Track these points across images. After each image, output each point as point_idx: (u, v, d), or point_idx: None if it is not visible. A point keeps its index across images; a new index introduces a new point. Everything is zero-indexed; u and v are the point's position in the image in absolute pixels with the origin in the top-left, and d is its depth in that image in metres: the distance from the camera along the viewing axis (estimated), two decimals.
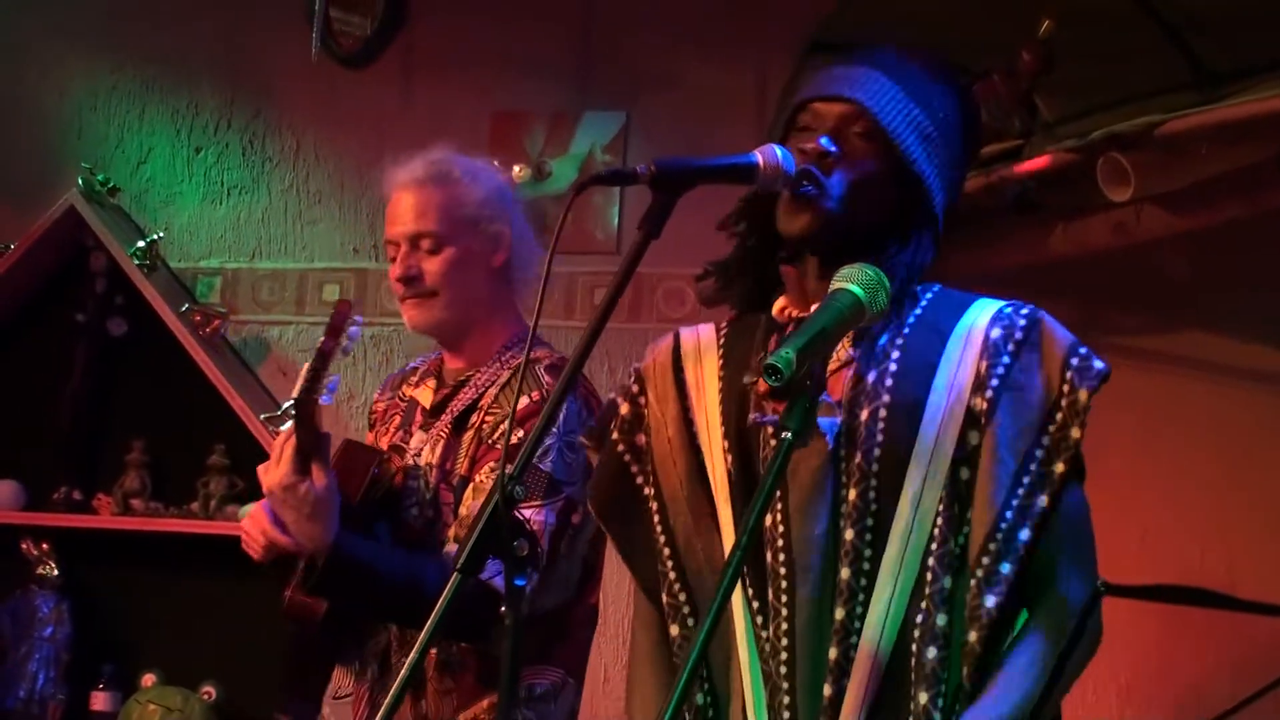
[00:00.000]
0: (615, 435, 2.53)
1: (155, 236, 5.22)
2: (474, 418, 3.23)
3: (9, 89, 5.61)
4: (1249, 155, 3.43)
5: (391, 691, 2.15)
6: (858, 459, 2.28)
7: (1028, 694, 2.18)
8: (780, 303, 2.48)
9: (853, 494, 2.28)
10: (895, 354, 2.32)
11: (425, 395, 3.34)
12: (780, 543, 2.32)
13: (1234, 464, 4.30)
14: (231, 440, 5.09)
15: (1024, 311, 2.33)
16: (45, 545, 5.11)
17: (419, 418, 3.32)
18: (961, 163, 2.45)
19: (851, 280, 2.20)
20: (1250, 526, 4.24)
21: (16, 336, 5.43)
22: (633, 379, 2.57)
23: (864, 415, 2.29)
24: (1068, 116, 3.91)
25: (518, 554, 2.05)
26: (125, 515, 5.14)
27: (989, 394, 2.26)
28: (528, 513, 3.07)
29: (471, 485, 3.16)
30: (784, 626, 2.30)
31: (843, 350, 2.35)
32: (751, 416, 2.36)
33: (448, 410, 3.27)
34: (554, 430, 3.16)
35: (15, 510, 5.19)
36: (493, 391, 3.24)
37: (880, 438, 2.27)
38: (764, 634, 2.33)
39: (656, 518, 2.46)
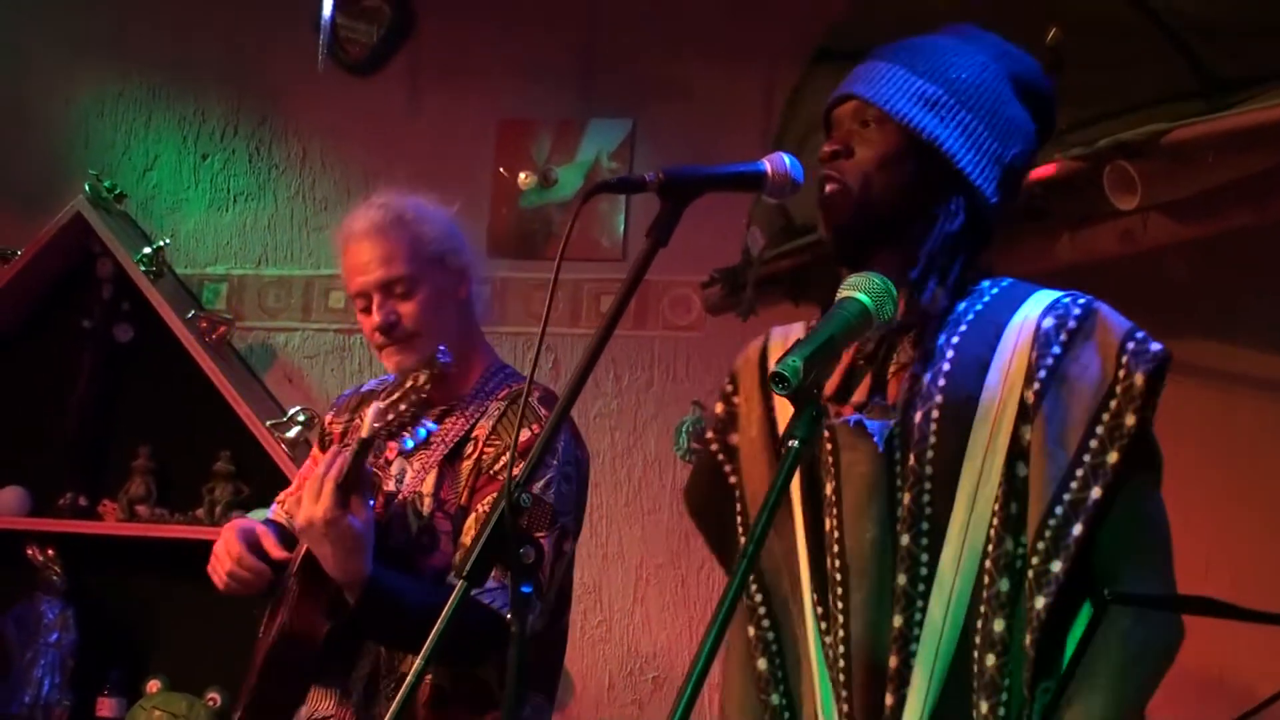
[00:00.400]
0: (710, 435, 2.56)
1: (162, 243, 5.23)
2: (469, 448, 3.23)
3: (16, 96, 5.62)
4: (1256, 163, 3.42)
5: (398, 696, 2.13)
6: (911, 461, 2.27)
7: (1102, 710, 2.14)
8: None
9: (907, 498, 2.26)
10: (950, 352, 2.30)
11: None
12: (836, 548, 2.31)
13: (1240, 472, 4.30)
14: (237, 447, 5.10)
15: (1080, 301, 2.31)
16: (51, 551, 5.11)
17: (394, 445, 3.31)
18: (1011, 119, 2.40)
19: (858, 289, 2.20)
20: (1257, 535, 4.23)
21: (23, 342, 5.43)
22: (728, 379, 2.58)
23: (918, 417, 2.28)
24: (1075, 124, 3.90)
25: (524, 561, 2.05)
26: (131, 521, 5.15)
27: (1037, 385, 2.23)
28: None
29: (473, 515, 3.17)
30: (841, 634, 2.29)
31: (904, 352, 2.34)
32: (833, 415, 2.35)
33: (436, 441, 3.26)
34: (552, 462, 3.18)
35: (21, 516, 5.20)
36: (486, 423, 3.25)
37: (933, 439, 2.26)
38: (827, 640, 2.33)
39: (739, 517, 2.47)
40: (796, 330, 2.55)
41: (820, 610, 2.34)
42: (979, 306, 2.35)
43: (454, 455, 3.24)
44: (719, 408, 2.56)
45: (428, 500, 3.21)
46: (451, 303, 3.31)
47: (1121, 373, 2.21)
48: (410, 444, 3.19)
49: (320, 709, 3.25)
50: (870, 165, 2.36)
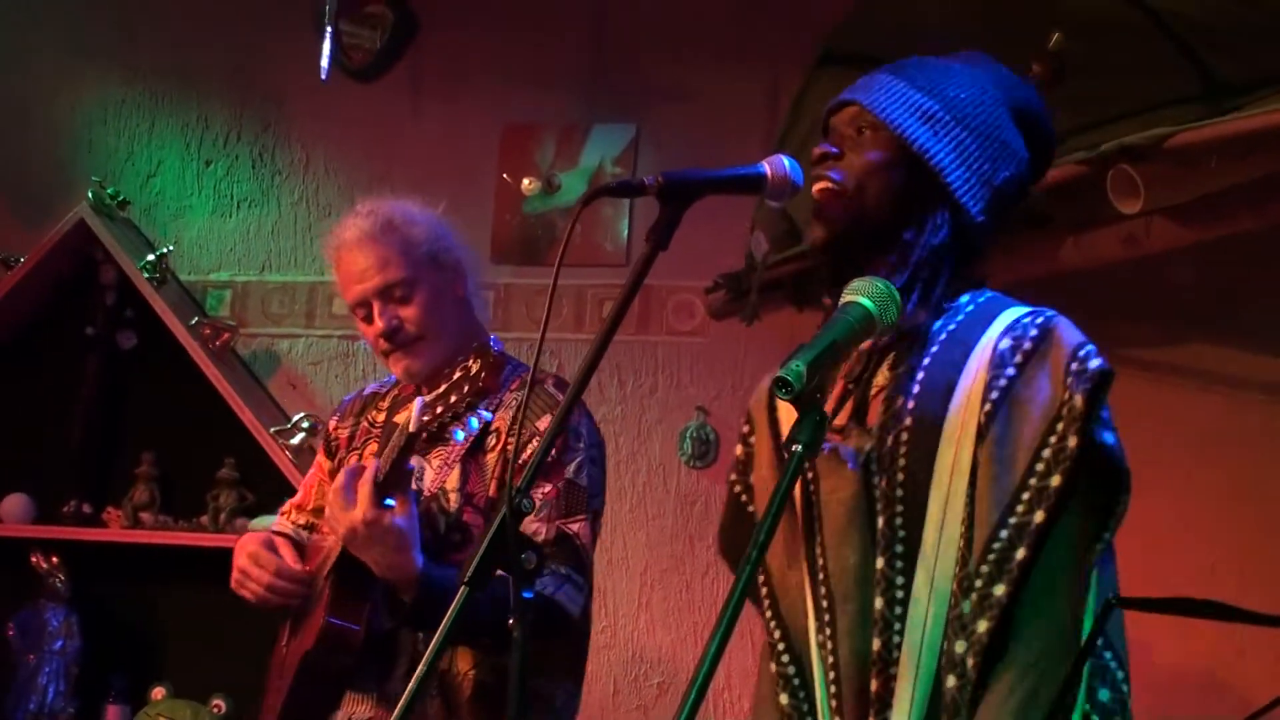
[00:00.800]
0: (733, 477, 2.58)
1: (165, 249, 5.23)
2: (490, 440, 3.23)
3: (20, 102, 5.63)
4: (1259, 168, 3.42)
5: (409, 688, 2.12)
6: (884, 485, 2.27)
7: None
8: None
9: (882, 522, 2.27)
10: (920, 374, 2.30)
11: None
12: (822, 575, 2.32)
13: (1244, 475, 4.29)
14: (241, 453, 5.10)
15: (1039, 320, 2.30)
16: (55, 558, 5.11)
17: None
18: (1003, 141, 2.41)
19: (861, 293, 2.20)
20: (1261, 538, 4.23)
21: (26, 349, 5.43)
22: (744, 420, 2.59)
23: (890, 440, 2.28)
24: (1078, 128, 3.90)
25: (525, 567, 2.04)
26: (135, 528, 5.15)
27: (988, 407, 2.23)
28: (575, 527, 3.13)
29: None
30: (831, 660, 2.31)
31: (882, 375, 2.34)
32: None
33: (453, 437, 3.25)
34: (579, 445, 3.18)
35: (25, 523, 5.20)
36: (504, 414, 3.25)
37: (902, 461, 2.26)
38: (827, 663, 2.34)
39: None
40: None
41: (819, 637, 2.36)
42: (952, 325, 2.35)
43: (475, 449, 3.23)
44: (739, 450, 2.58)
45: (453, 496, 3.21)
46: (450, 301, 3.32)
47: (1066, 394, 2.20)
48: (460, 435, 3.16)
49: (358, 712, 3.26)
50: (862, 170, 2.37)
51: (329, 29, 4.98)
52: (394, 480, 3.02)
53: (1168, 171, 3.51)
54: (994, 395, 2.24)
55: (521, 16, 5.27)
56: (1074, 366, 2.21)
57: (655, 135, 5.12)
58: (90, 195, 5.23)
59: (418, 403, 3.03)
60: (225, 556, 4.56)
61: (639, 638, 4.96)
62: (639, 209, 5.07)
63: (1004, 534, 2.17)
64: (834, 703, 2.30)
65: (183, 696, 5.06)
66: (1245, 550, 4.22)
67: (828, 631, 2.31)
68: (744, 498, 2.55)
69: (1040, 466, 2.18)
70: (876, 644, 2.25)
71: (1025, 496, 2.17)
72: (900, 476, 2.26)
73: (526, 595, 2.05)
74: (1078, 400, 2.18)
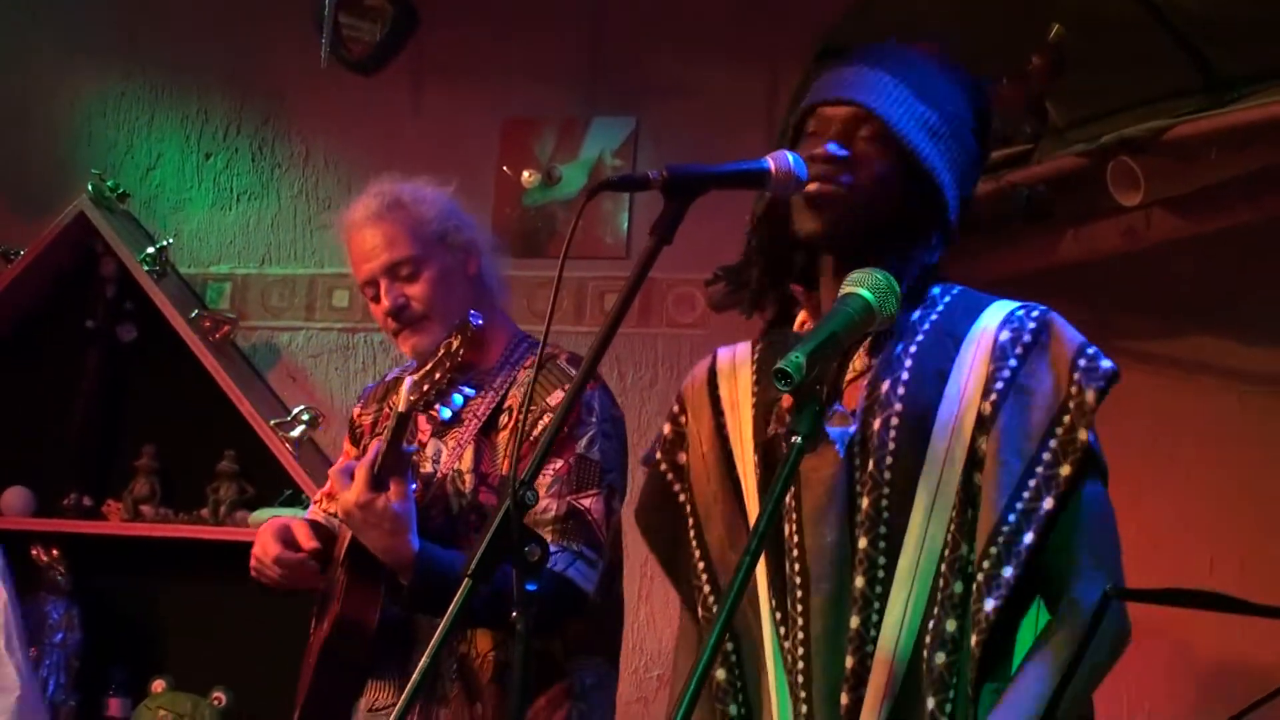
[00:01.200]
0: (659, 455, 2.56)
1: (165, 242, 5.23)
2: (503, 419, 3.23)
3: (19, 96, 5.62)
4: (1258, 160, 3.43)
5: (419, 666, 2.12)
6: (870, 467, 2.28)
7: (1039, 699, 2.15)
8: (801, 317, 2.49)
9: (865, 503, 2.28)
10: (908, 361, 2.31)
11: None
12: (795, 552, 2.32)
13: (1245, 467, 4.30)
14: (241, 446, 5.10)
15: (1034, 314, 2.32)
16: (55, 551, 5.11)
17: (427, 427, 3.31)
18: (975, 156, 2.44)
19: (862, 285, 2.21)
20: (1262, 530, 4.24)
21: (26, 342, 5.43)
22: (675, 401, 2.59)
23: (876, 424, 2.29)
24: (1078, 121, 3.91)
25: (529, 559, 2.05)
26: (135, 521, 5.15)
27: (993, 398, 2.25)
28: (586, 502, 3.12)
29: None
30: (799, 636, 2.31)
31: (859, 360, 2.35)
32: (771, 428, 2.37)
33: (468, 416, 3.26)
34: (591, 419, 3.18)
35: (25, 516, 5.19)
36: (516, 392, 3.25)
37: (892, 446, 2.27)
38: (785, 644, 2.34)
39: (692, 533, 2.48)
40: (743, 350, 2.57)
41: (779, 615, 2.35)
42: (934, 316, 2.36)
43: (488, 428, 3.23)
44: (667, 429, 2.57)
45: (468, 477, 3.21)
46: (461, 280, 3.31)
47: (1074, 389, 2.23)
48: (447, 413, 3.17)
49: (380, 699, 3.25)
50: (873, 179, 2.34)
51: (327, 18, 4.98)
52: (391, 464, 3.01)
53: (1167, 164, 3.52)
54: (999, 386, 2.25)
55: (521, 9, 5.27)
56: (1082, 363, 2.24)
57: (655, 129, 5.12)
58: (90, 188, 5.23)
59: (407, 382, 3.03)
60: (226, 549, 4.58)
61: (639, 630, 4.96)
62: (639, 203, 5.07)
63: (1011, 519, 2.19)
64: (800, 678, 2.30)
65: (183, 689, 5.06)
66: (1245, 543, 4.23)
67: (798, 609, 2.31)
68: (670, 476, 2.53)
69: (1047, 455, 2.21)
70: (855, 622, 2.25)
71: (1032, 484, 2.20)
72: (889, 460, 2.27)
73: (530, 588, 2.04)
74: (1089, 395, 2.21)
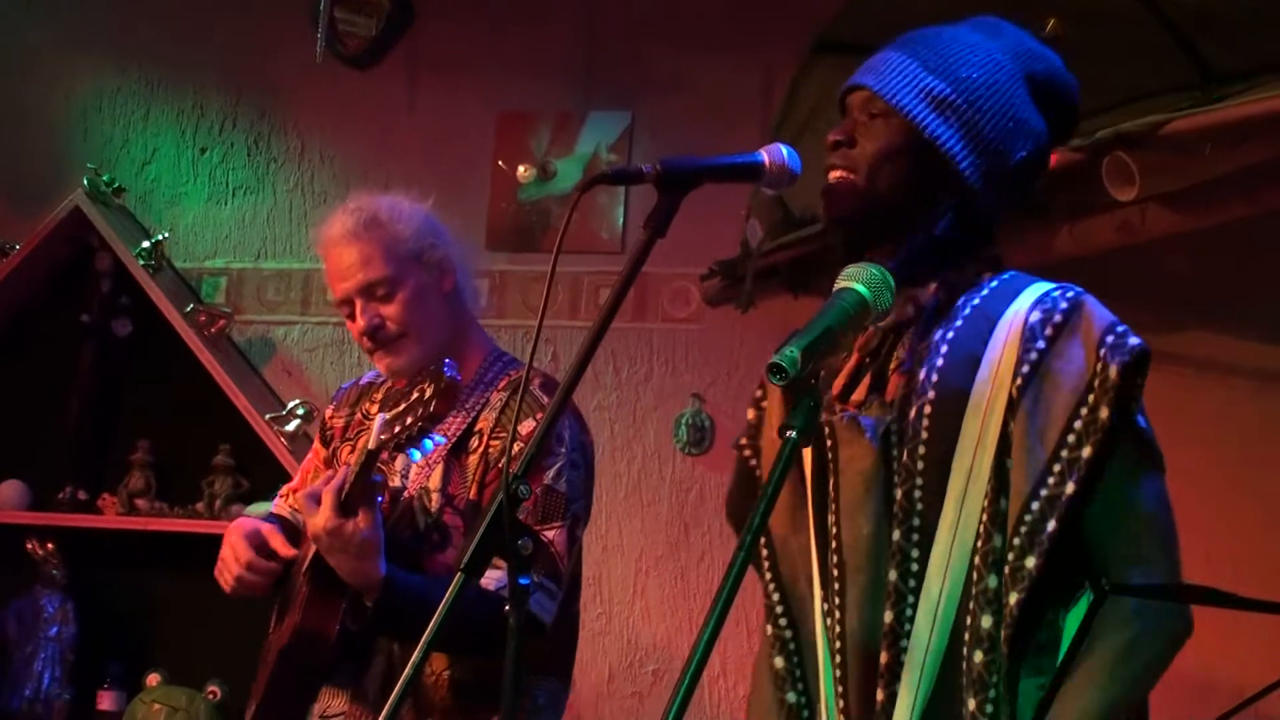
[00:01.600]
0: (744, 441, 2.57)
1: (160, 237, 5.23)
2: (474, 442, 3.23)
3: (15, 90, 5.62)
4: (1254, 155, 3.42)
5: (394, 693, 2.13)
6: (904, 458, 2.27)
7: (1093, 704, 2.13)
8: None
9: (899, 494, 2.26)
10: (944, 348, 2.29)
11: None
12: (834, 544, 2.32)
13: (1239, 462, 4.30)
14: (236, 440, 5.10)
15: (1069, 295, 2.28)
16: (50, 545, 5.11)
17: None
18: (1020, 120, 2.38)
19: (856, 279, 2.20)
20: (1256, 525, 4.23)
21: (21, 337, 5.43)
22: (758, 385, 2.58)
23: (912, 413, 2.27)
24: None
25: (522, 553, 2.05)
26: (130, 515, 5.15)
27: (1020, 381, 2.22)
28: (550, 534, 3.12)
29: None
30: (838, 629, 2.30)
31: (903, 349, 2.33)
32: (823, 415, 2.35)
33: (439, 434, 3.26)
34: (560, 449, 3.18)
35: (21, 510, 5.20)
36: (489, 415, 3.25)
37: (925, 434, 2.25)
38: (831, 635, 2.34)
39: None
40: None
41: (825, 605, 2.35)
42: (976, 300, 2.33)
43: (458, 449, 3.23)
44: (750, 413, 2.58)
45: (435, 496, 3.21)
46: (436, 298, 3.30)
47: (1099, 365, 2.19)
48: (417, 456, 3.18)
49: (332, 707, 3.25)
50: (874, 158, 2.35)
51: (323, 13, 4.98)
52: (358, 494, 3.02)
53: (1163, 159, 3.51)
54: (1025, 369, 2.22)
55: (516, 4, 5.27)
56: (1110, 340, 2.20)
57: (650, 123, 5.12)
58: (86, 182, 5.23)
59: (379, 420, 3.02)
60: (220, 543, 4.57)
61: (634, 624, 4.96)
62: (634, 196, 5.07)
63: (1035, 506, 2.16)
64: (838, 673, 2.30)
65: (178, 683, 5.06)
66: (1241, 538, 4.23)
67: (836, 601, 2.30)
68: (753, 462, 2.54)
69: (1071, 438, 2.17)
70: (889, 616, 2.24)
71: (1056, 469, 2.16)
72: (922, 450, 2.25)
73: (523, 581, 2.05)
74: (1112, 371, 2.17)
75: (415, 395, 3.09)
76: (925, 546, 2.24)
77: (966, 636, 2.21)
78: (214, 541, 4.87)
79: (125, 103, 5.58)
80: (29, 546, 5.10)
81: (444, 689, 3.16)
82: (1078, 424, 2.18)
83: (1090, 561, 2.20)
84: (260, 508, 4.78)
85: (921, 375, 2.28)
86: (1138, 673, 2.17)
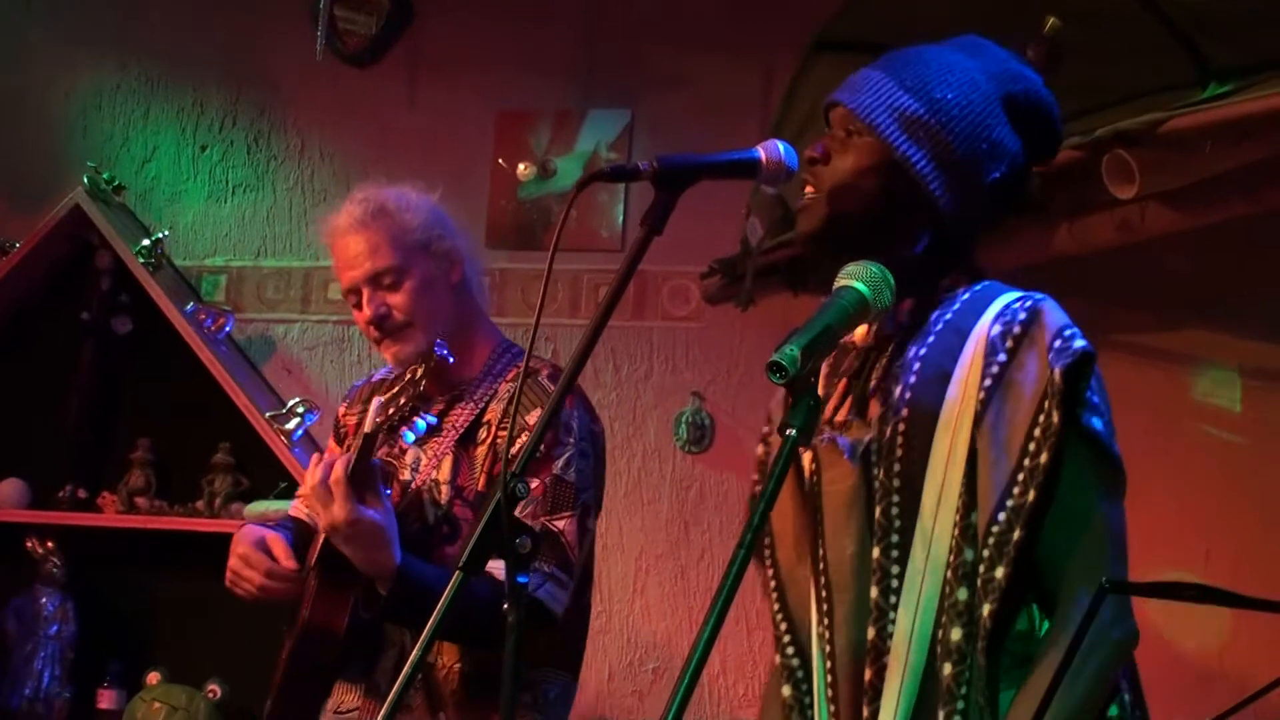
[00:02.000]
0: (755, 478, 2.57)
1: (160, 235, 5.23)
2: (482, 433, 3.23)
3: (15, 88, 5.62)
4: (1254, 153, 3.42)
5: (398, 682, 2.13)
6: (881, 475, 2.27)
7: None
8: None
9: (878, 511, 2.27)
10: (916, 364, 2.29)
11: None
12: (822, 565, 2.33)
13: (1239, 461, 4.30)
14: (236, 438, 5.10)
15: (1027, 305, 2.28)
16: (50, 544, 5.11)
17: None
18: (995, 142, 2.37)
19: (855, 277, 2.20)
20: (1255, 524, 4.23)
21: (21, 334, 5.43)
22: (766, 421, 2.58)
23: (889, 430, 2.28)
24: (1072, 114, 3.89)
25: (520, 551, 2.04)
26: (130, 513, 5.15)
27: (983, 395, 2.22)
28: (560, 524, 3.12)
29: None
30: (829, 649, 2.31)
31: (880, 369, 2.34)
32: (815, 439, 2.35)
33: (447, 426, 3.26)
34: (569, 440, 3.18)
35: (20, 509, 5.20)
36: (496, 406, 3.25)
37: (899, 452, 2.26)
38: (825, 653, 2.35)
39: (767, 552, 2.48)
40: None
41: (819, 628, 2.36)
42: (948, 315, 2.33)
43: (467, 440, 3.24)
44: (759, 450, 2.57)
45: (444, 488, 3.21)
46: (443, 288, 3.30)
47: (1049, 372, 2.19)
48: (410, 437, 3.18)
49: (346, 702, 3.26)
50: (844, 176, 2.35)
51: (323, 11, 4.98)
52: (359, 479, 3.02)
53: (1163, 157, 3.51)
54: (987, 383, 2.23)
55: (517, 2, 5.27)
56: (1057, 344, 2.20)
57: (650, 121, 5.12)
58: (85, 180, 5.23)
59: (375, 403, 3.04)
60: (221, 542, 4.55)
61: (634, 623, 4.96)
62: (634, 194, 5.07)
63: (1001, 516, 2.16)
64: (830, 692, 2.31)
65: (178, 681, 5.06)
66: (1240, 536, 4.23)
67: (826, 622, 2.32)
68: None
69: (1032, 446, 2.17)
70: (871, 633, 2.25)
71: (1020, 478, 2.16)
72: (897, 466, 2.26)
73: (521, 580, 2.04)
74: (1056, 375, 2.17)
75: (407, 376, 3.11)
76: (904, 562, 2.25)
77: (939, 649, 2.21)
78: (214, 540, 4.92)
79: (125, 100, 5.58)
80: (29, 545, 5.10)
81: (455, 682, 3.16)
82: (1037, 431, 2.17)
83: (1040, 577, 2.20)
84: (261, 506, 4.79)
85: (895, 393, 2.29)
86: (1090, 677, 2.15)
